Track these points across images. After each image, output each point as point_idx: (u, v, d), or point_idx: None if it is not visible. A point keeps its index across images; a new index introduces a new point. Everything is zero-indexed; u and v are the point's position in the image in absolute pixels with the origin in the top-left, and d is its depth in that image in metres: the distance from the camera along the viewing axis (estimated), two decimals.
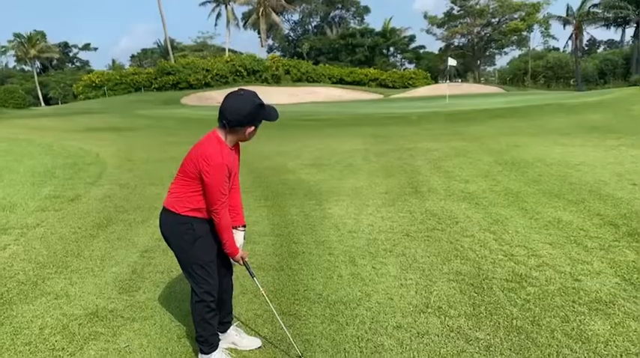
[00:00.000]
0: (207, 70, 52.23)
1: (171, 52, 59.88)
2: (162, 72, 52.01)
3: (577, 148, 9.85)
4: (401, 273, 4.05)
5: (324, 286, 3.84)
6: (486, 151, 9.92)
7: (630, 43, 57.77)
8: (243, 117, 2.57)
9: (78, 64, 79.58)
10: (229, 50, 64.66)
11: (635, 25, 55.15)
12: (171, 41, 65.66)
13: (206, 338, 2.85)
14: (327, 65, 63.11)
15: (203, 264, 2.75)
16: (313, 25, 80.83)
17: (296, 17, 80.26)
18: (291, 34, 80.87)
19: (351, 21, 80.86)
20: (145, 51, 79.72)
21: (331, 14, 79.17)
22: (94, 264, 4.47)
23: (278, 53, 75.56)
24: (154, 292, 3.86)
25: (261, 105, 2.61)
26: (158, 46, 74.76)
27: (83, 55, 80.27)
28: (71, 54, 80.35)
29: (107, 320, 3.42)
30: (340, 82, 59.53)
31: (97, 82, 51.60)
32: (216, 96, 42.45)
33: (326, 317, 3.35)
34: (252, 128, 2.63)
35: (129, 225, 5.67)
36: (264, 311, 3.47)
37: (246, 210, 5.78)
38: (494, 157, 9.15)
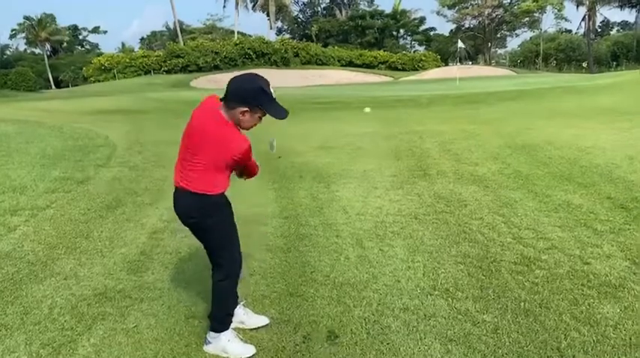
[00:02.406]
0: (216, 53, 52.07)
1: (180, 35, 59.67)
2: (172, 54, 51.93)
3: (588, 131, 9.70)
4: (408, 256, 4.02)
5: (332, 268, 3.82)
6: (496, 134, 9.81)
7: None
8: (240, 94, 2.48)
9: (88, 47, 79.58)
10: (238, 33, 64.30)
11: None
12: (180, 24, 65.39)
13: (222, 318, 2.86)
14: (336, 47, 62.66)
15: (234, 240, 2.78)
16: (322, 6, 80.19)
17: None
18: (300, 16, 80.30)
19: (361, 2, 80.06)
20: (154, 33, 79.55)
21: None
22: (102, 245, 4.49)
23: (287, 35, 75.17)
24: (162, 273, 3.87)
25: (264, 91, 2.51)
26: (167, 29, 74.51)
27: (93, 38, 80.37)
28: (81, 37, 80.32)
29: (115, 300, 3.44)
30: (349, 64, 59.11)
31: (106, 65, 51.64)
32: (225, 79, 41.32)
33: (333, 299, 3.34)
34: (246, 109, 2.49)
35: (138, 206, 5.69)
36: (272, 291, 3.47)
37: (254, 192, 5.82)
38: (504, 140, 9.05)
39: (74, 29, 77.66)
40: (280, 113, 2.60)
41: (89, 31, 79.76)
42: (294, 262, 3.96)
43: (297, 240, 4.44)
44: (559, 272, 3.64)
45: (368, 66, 59.45)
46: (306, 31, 72.92)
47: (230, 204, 2.79)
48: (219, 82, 41.74)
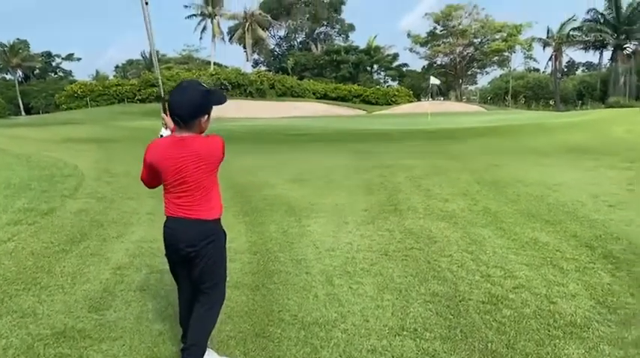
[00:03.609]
0: None
1: (156, 65, 59.57)
2: (146, 83, 51.70)
3: (555, 169, 9.96)
4: (378, 294, 4.00)
5: (300, 307, 3.77)
6: (466, 170, 9.98)
7: (607, 65, 59.19)
8: (194, 109, 2.58)
9: (61, 73, 78.72)
10: (214, 64, 64.64)
11: (612, 48, 56.60)
12: (157, 53, 65.41)
13: (203, 345, 2.84)
14: (311, 80, 63.45)
15: (226, 268, 2.96)
16: (299, 41, 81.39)
17: (282, 33, 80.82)
18: (277, 49, 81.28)
19: (336, 38, 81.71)
20: (130, 62, 79.32)
21: (316, 31, 79.82)
22: (64, 281, 4.35)
23: (263, 67, 75.84)
24: (124, 311, 3.75)
25: (208, 91, 2.63)
26: (143, 57, 74.40)
27: (66, 65, 79.25)
28: (54, 63, 79.47)
29: (74, 340, 3.31)
30: (324, 97, 59.79)
31: (79, 92, 51.03)
32: None
33: (300, 340, 3.28)
34: (205, 117, 2.64)
35: (103, 240, 5.55)
36: (238, 332, 3.39)
37: (225, 225, 5.73)
38: (473, 176, 9.21)
39: (47, 56, 76.87)
40: (223, 99, 2.71)
41: (63, 58, 78.98)
42: (262, 300, 3.89)
43: (265, 277, 4.37)
44: (526, 311, 3.66)
45: (342, 99, 60.22)
46: (283, 64, 73.73)
47: (225, 232, 2.89)
48: None
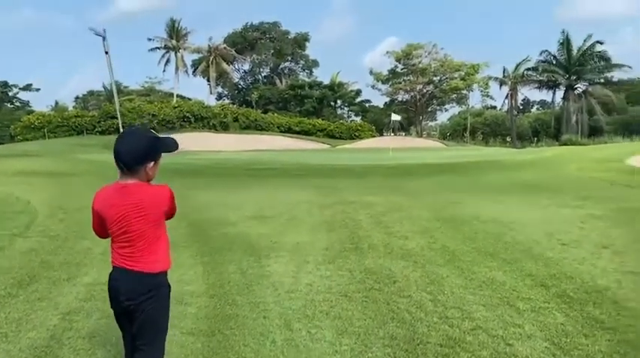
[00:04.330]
0: (153, 115, 51.53)
1: (116, 96, 58.90)
2: (107, 115, 50.88)
3: (512, 206, 10.22)
4: (336, 338, 3.95)
5: (256, 354, 3.68)
6: (426, 207, 10.13)
7: (560, 104, 61.94)
8: (140, 155, 2.50)
9: (18, 104, 76.67)
10: (177, 96, 64.40)
11: (564, 88, 59.50)
12: (118, 85, 64.72)
13: None
14: (275, 114, 63.82)
15: (167, 325, 2.77)
16: (263, 75, 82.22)
17: (246, 67, 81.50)
18: (241, 83, 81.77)
19: (301, 73, 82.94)
20: (90, 93, 78.10)
21: (281, 66, 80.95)
22: (8, 328, 4.12)
23: (227, 100, 75.98)
24: None
25: (157, 138, 2.57)
26: (104, 88, 73.44)
27: (24, 96, 77.25)
28: (11, 93, 77.43)
29: None
30: (288, 131, 60.13)
31: (37, 123, 49.69)
32: None
33: None
34: (152, 163, 2.56)
35: (53, 283, 5.31)
36: None
37: (180, 267, 5.61)
38: (432, 213, 9.35)
39: (4, 85, 74.81)
40: (173, 146, 2.64)
41: (20, 89, 77.06)
42: (217, 347, 3.78)
43: (221, 322, 4.26)
44: (483, 354, 3.68)
45: (307, 133, 60.69)
46: (247, 98, 74.07)
47: (170, 286, 2.74)
48: None
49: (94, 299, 4.78)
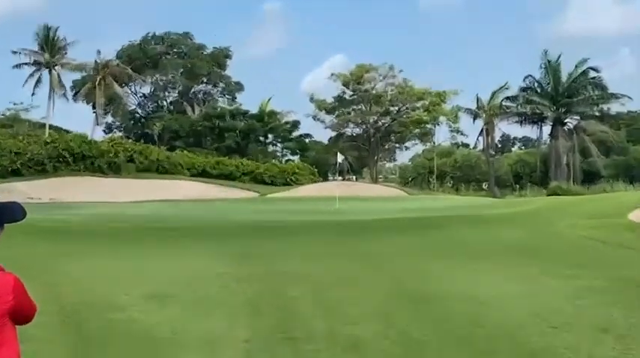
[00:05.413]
0: (17, 154, 49.86)
1: None
2: None
3: (489, 276, 10.47)
4: None
5: None
6: (382, 278, 10.22)
7: (547, 142, 64.59)
8: None
9: None
10: (51, 127, 62.85)
11: (551, 123, 62.29)
12: None
13: None
14: (185, 152, 63.41)
15: None
16: (169, 100, 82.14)
17: (146, 90, 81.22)
18: (139, 111, 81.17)
19: (220, 99, 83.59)
20: None
21: (193, 89, 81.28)
22: None
23: (119, 133, 74.92)
24: None
25: None
26: None
27: None
28: None
29: None
30: (203, 174, 59.76)
31: None
32: (27, 191, 40.42)
33: None
34: None
35: None
36: None
37: None
38: (391, 287, 9.42)
39: None
40: (18, 214, 2.57)
41: None
42: None
43: None
44: None
45: (227, 177, 60.54)
46: (147, 130, 73.53)
47: None
48: (17, 194, 39.70)
49: None
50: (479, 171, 71.66)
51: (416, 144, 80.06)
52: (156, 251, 14.11)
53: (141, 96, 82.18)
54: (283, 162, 74.95)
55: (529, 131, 76.73)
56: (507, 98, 65.71)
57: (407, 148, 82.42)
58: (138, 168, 56.24)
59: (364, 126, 74.80)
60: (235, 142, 72.39)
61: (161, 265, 11.85)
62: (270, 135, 79.57)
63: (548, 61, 60.68)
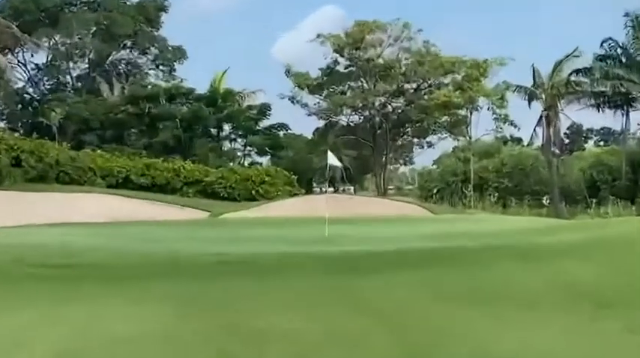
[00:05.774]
0: None
1: None
2: None
3: (548, 332, 10.61)
4: None
5: None
6: (388, 337, 10.32)
7: (638, 135, 64.10)
8: None
9: None
10: None
11: None
12: None
13: None
14: (100, 152, 63.18)
15: None
16: (75, 74, 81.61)
17: (41, 59, 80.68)
18: (30, 91, 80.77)
19: (151, 72, 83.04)
20: None
21: (111, 57, 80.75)
22: None
23: (1, 124, 74.55)
24: None
25: None
26: None
27: None
28: None
29: None
30: (125, 183, 59.59)
31: None
32: None
33: None
34: None
35: None
36: None
37: None
38: (401, 350, 9.53)
39: None
40: None
41: None
42: None
43: None
44: None
45: (161, 188, 60.32)
46: (41, 119, 73.10)
47: None
48: None
49: None
50: (537, 179, 71.07)
51: (443, 138, 79.61)
52: (51, 303, 13.99)
53: (33, 69, 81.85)
54: (246, 165, 74.57)
55: (610, 119, 75.86)
56: (578, 71, 64.62)
57: (430, 145, 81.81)
58: (28, 175, 55.94)
59: (367, 113, 74.11)
60: (174, 137, 71.94)
61: (60, 326, 11.74)
62: (226, 126, 78.98)
63: (637, 18, 60.10)
